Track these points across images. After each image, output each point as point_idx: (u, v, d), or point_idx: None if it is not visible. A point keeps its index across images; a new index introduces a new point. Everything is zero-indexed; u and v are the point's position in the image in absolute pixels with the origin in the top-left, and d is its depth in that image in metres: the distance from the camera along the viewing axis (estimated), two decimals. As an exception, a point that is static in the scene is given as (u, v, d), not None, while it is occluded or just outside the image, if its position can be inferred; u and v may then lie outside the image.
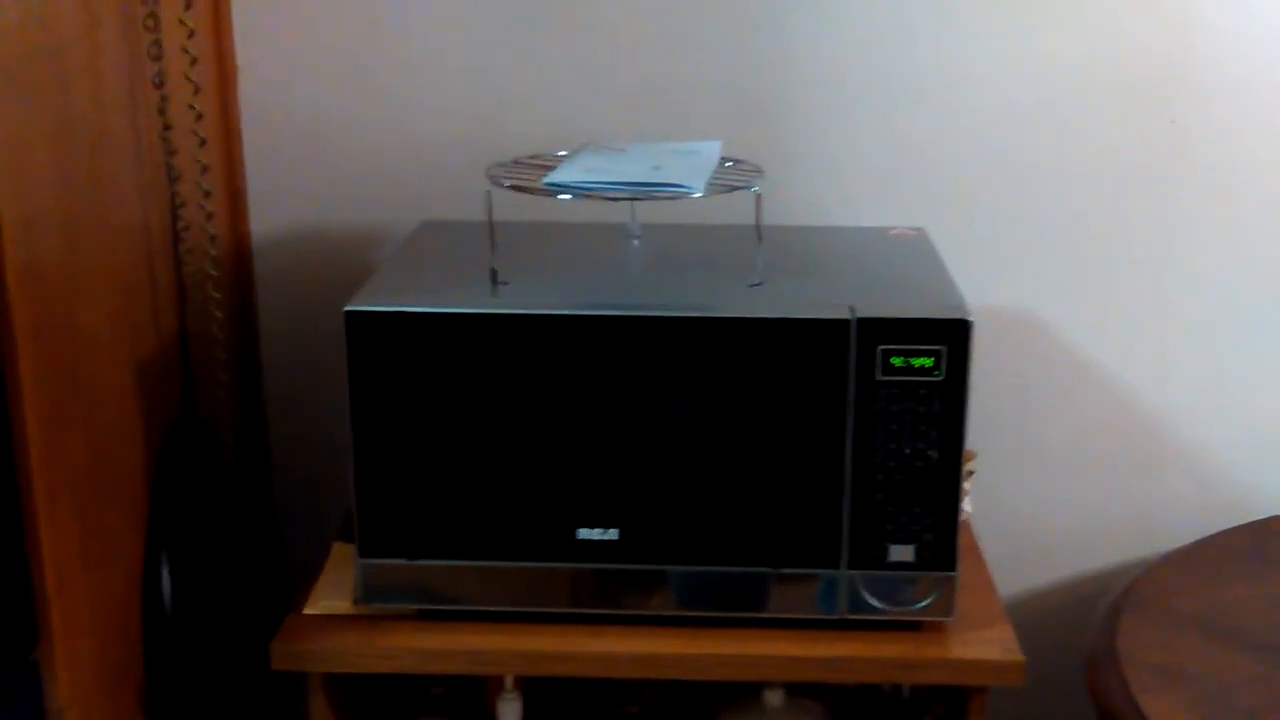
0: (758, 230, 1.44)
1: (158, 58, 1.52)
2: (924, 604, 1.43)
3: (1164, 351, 1.82)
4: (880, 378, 1.37)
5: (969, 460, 1.56)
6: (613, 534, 1.42)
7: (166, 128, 1.55)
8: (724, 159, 1.56)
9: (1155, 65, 1.73)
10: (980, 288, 1.56)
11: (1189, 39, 1.73)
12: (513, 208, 1.50)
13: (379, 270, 1.53)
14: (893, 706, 1.66)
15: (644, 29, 1.74)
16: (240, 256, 1.79)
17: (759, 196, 1.44)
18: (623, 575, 1.44)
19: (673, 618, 1.46)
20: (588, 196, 1.43)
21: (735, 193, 1.46)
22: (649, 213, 1.58)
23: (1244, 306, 1.81)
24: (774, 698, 1.59)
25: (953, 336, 1.36)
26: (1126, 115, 1.75)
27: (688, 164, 1.49)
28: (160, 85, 1.53)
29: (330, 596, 1.51)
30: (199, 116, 1.58)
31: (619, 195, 1.44)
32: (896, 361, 1.37)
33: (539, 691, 1.66)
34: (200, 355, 1.64)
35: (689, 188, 1.41)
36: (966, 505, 1.64)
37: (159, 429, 1.54)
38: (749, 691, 1.61)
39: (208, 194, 1.62)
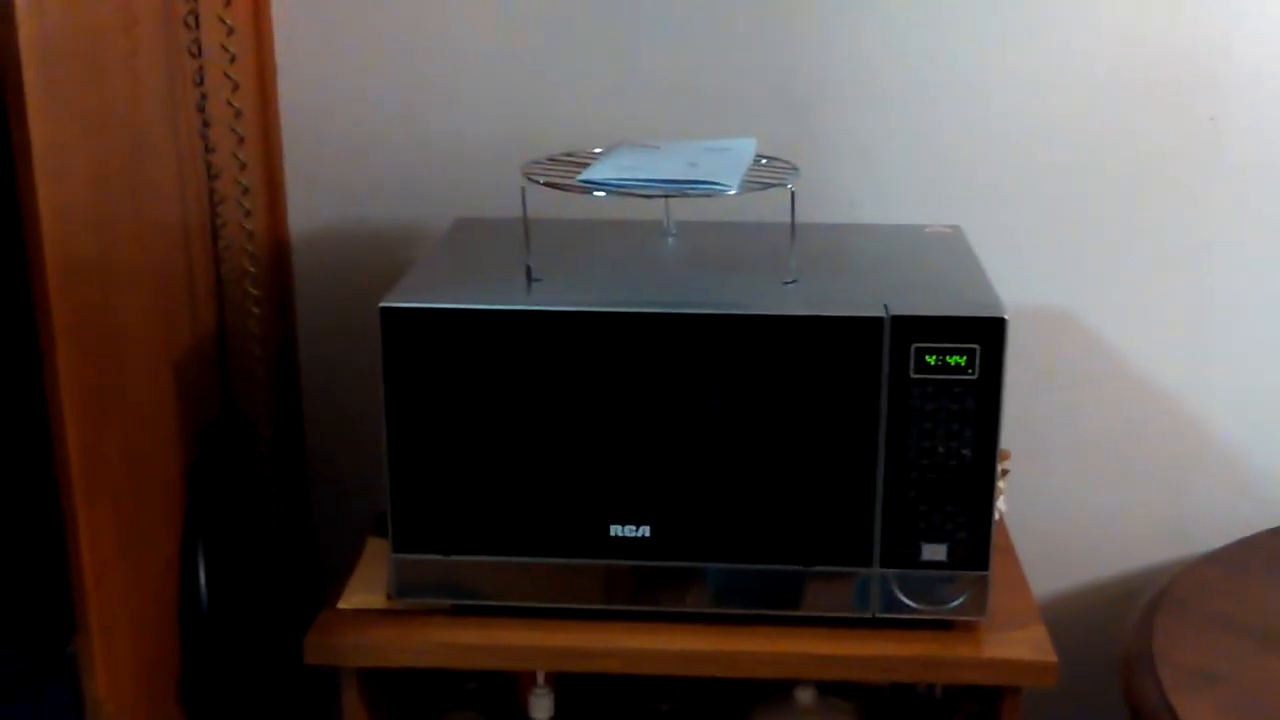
0: (792, 228, 1.44)
1: (197, 55, 1.53)
2: (957, 603, 1.42)
3: (1201, 351, 1.81)
4: (914, 376, 1.37)
5: (1003, 459, 1.55)
6: (645, 531, 1.43)
7: (205, 125, 1.56)
8: (759, 156, 1.56)
9: (1192, 62, 1.72)
10: (1016, 286, 1.55)
11: (1226, 36, 1.71)
12: (548, 205, 1.50)
13: (415, 267, 1.53)
14: (925, 706, 1.66)
15: (680, 27, 1.74)
16: (278, 253, 1.81)
17: (794, 194, 1.44)
18: (655, 572, 1.45)
19: (705, 615, 1.46)
20: (622, 194, 1.43)
21: (770, 190, 1.46)
22: (684, 210, 1.59)
23: (1283, 306, 1.80)
24: (806, 696, 1.59)
25: (987, 335, 1.36)
26: (1164, 113, 1.74)
27: (723, 161, 1.49)
28: (200, 83, 1.54)
29: (364, 591, 1.52)
30: (238, 114, 1.59)
31: (654, 192, 1.44)
32: (931, 360, 1.37)
33: (571, 687, 1.66)
34: (237, 351, 1.65)
35: (724, 185, 1.41)
36: (1000, 504, 1.64)
37: (196, 424, 1.56)
38: (781, 689, 1.61)
39: (246, 191, 1.63)
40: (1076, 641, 1.70)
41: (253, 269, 1.63)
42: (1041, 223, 1.78)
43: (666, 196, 1.47)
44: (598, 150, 1.59)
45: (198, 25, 1.52)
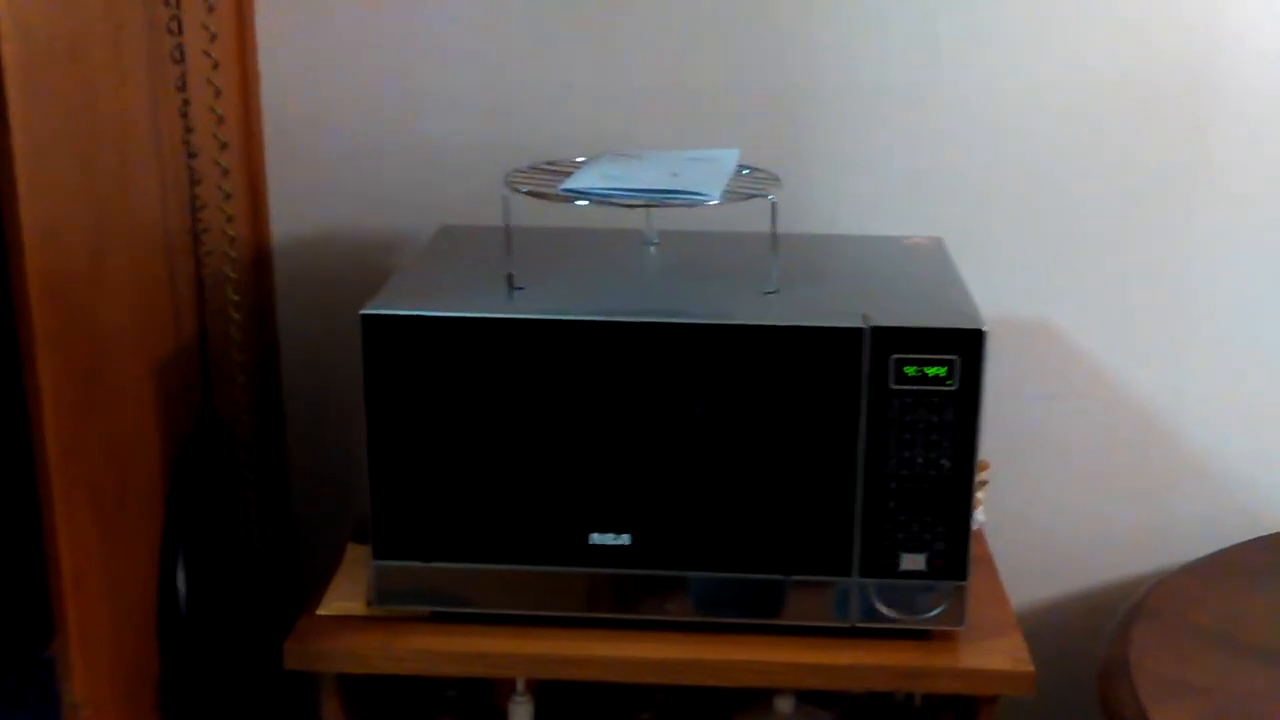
0: (773, 238, 1.45)
1: (180, 61, 1.53)
2: (935, 613, 1.43)
3: (1181, 362, 1.82)
4: (893, 386, 1.37)
5: (982, 470, 1.56)
6: (625, 539, 1.43)
7: (188, 131, 1.56)
8: (741, 167, 1.56)
9: (1176, 74, 1.73)
10: (996, 297, 1.56)
11: (1212, 48, 1.72)
12: (530, 213, 1.51)
13: (396, 274, 1.54)
14: (904, 715, 1.66)
15: (664, 37, 1.75)
16: (260, 259, 1.81)
17: (775, 205, 1.44)
18: (635, 580, 1.45)
19: (684, 623, 1.46)
20: (605, 203, 1.43)
21: (752, 200, 1.47)
22: (665, 219, 1.59)
23: (1263, 318, 1.80)
24: (785, 704, 1.60)
25: (966, 346, 1.36)
26: (1147, 123, 1.75)
27: (705, 171, 1.50)
28: (182, 89, 1.54)
29: (344, 598, 1.52)
30: (220, 120, 1.60)
31: (635, 202, 1.44)
32: (910, 370, 1.37)
33: (550, 695, 1.66)
34: (219, 356, 1.65)
35: (705, 195, 1.42)
36: (979, 515, 1.64)
37: (177, 429, 1.55)
38: (761, 698, 1.61)
39: (228, 196, 1.63)
40: (1054, 651, 1.70)
41: (234, 275, 1.63)
42: (1022, 234, 1.79)
43: (649, 206, 1.47)
44: (580, 159, 1.59)
45: (181, 31, 1.52)
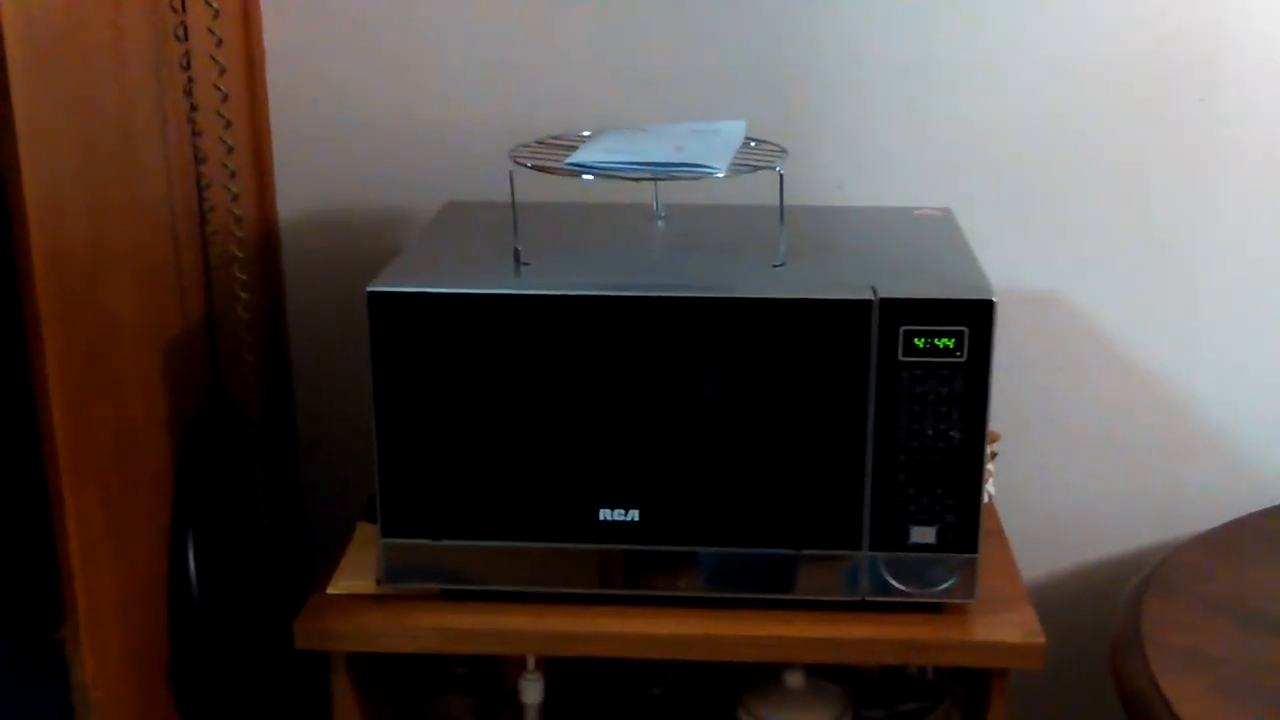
0: (781, 210, 1.44)
1: (184, 38, 1.52)
2: (945, 586, 1.42)
3: (1191, 333, 1.81)
4: (902, 358, 1.37)
5: (993, 441, 1.55)
6: (634, 515, 1.43)
7: (193, 109, 1.55)
8: (748, 139, 1.55)
9: (1184, 45, 1.72)
10: (1006, 269, 1.55)
11: (1218, 18, 1.71)
12: (536, 188, 1.50)
13: (403, 251, 1.53)
14: (915, 688, 1.66)
15: (670, 10, 1.74)
16: (266, 237, 1.80)
17: (782, 176, 1.43)
18: (644, 556, 1.45)
19: (694, 599, 1.46)
20: (610, 177, 1.43)
21: (759, 173, 1.46)
22: (672, 193, 1.58)
23: (1273, 289, 1.80)
24: (795, 679, 1.59)
25: (975, 317, 1.36)
26: (1153, 95, 1.74)
27: (711, 144, 1.49)
28: (186, 67, 1.53)
29: (353, 576, 1.52)
30: (225, 98, 1.59)
31: (642, 175, 1.44)
32: (919, 342, 1.36)
33: (561, 671, 1.66)
34: (226, 336, 1.64)
35: (712, 168, 1.41)
36: (990, 487, 1.64)
37: (185, 409, 1.55)
38: (771, 673, 1.61)
39: (233, 175, 1.62)
40: (1065, 623, 1.70)
41: (240, 254, 1.63)
42: (1031, 205, 1.78)
43: (655, 179, 1.47)
44: (586, 133, 1.59)
45: (184, 9, 1.52)
